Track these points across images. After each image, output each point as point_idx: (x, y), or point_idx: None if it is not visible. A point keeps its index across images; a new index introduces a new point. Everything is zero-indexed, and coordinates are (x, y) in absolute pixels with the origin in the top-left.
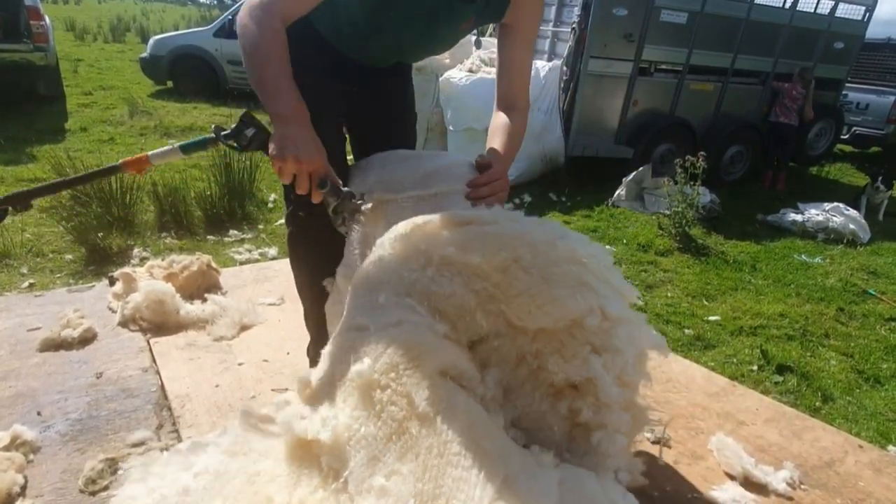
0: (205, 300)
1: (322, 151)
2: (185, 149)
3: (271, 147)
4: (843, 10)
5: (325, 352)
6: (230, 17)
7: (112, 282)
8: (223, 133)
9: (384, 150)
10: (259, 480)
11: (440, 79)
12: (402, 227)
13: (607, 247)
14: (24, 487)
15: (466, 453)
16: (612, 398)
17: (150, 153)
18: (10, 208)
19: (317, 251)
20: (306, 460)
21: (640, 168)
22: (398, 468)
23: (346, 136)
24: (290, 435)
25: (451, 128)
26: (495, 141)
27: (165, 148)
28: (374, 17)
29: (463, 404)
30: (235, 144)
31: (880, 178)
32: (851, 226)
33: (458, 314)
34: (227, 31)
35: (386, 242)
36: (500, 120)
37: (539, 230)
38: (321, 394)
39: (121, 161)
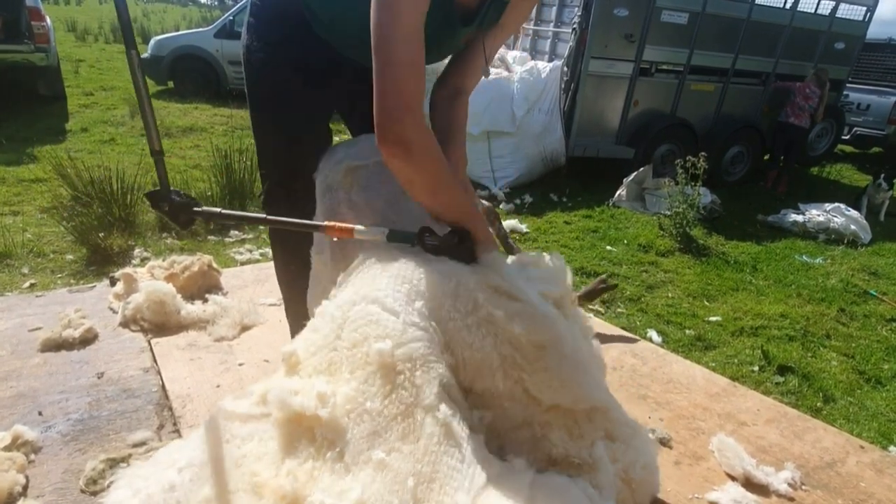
0: (206, 300)
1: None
2: (391, 236)
3: (487, 242)
4: (844, 11)
5: (325, 313)
6: (231, 17)
7: (113, 282)
8: (428, 238)
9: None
10: (245, 462)
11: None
12: (470, 271)
13: (608, 247)
14: (25, 487)
15: (461, 448)
16: (608, 486)
17: (356, 227)
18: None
19: (295, 237)
20: (296, 434)
21: (641, 168)
22: (399, 447)
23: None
24: (287, 411)
25: None
26: (456, 152)
27: (373, 229)
28: None
29: (457, 411)
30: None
31: (882, 176)
32: (852, 226)
33: (476, 367)
34: (227, 31)
35: (459, 274)
36: (453, 120)
37: (580, 337)
38: (315, 360)
39: (327, 223)
